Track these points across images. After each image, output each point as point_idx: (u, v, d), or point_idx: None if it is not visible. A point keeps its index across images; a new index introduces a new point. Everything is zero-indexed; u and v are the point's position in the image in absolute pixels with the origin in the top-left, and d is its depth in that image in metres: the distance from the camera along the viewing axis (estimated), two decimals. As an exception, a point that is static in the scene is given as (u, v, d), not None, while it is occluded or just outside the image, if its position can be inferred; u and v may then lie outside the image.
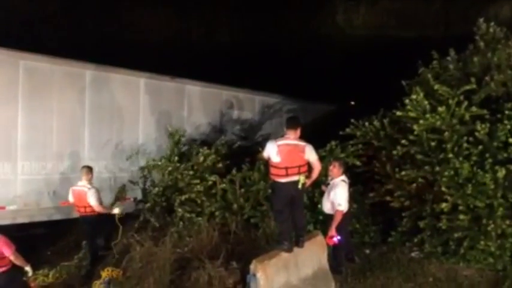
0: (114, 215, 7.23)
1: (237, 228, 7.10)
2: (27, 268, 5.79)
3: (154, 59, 11.02)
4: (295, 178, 5.37)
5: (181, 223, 7.31)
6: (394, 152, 7.00)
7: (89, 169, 7.22)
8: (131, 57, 9.54)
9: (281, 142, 5.39)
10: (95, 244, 7.26)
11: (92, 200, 7.00)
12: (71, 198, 7.28)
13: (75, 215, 7.94)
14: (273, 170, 5.43)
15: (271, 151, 5.36)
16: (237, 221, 7.14)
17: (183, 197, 7.47)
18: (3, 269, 5.51)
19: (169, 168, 7.77)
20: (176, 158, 7.85)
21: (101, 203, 7.14)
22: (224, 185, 7.49)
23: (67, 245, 8.11)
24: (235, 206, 7.32)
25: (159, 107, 9.21)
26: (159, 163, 7.90)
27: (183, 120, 9.61)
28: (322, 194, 6.64)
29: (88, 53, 8.43)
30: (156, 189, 7.67)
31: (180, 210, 7.33)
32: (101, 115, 8.33)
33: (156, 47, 12.47)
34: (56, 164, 7.75)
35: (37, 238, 7.76)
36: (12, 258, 5.54)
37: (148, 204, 7.67)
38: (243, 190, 7.37)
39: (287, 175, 5.34)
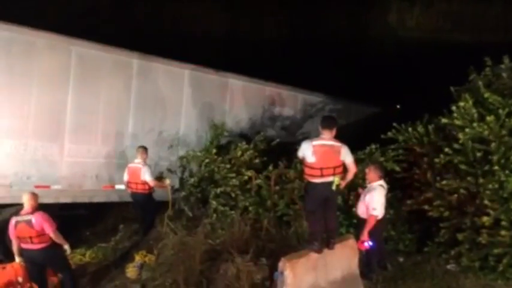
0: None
1: (269, 225, 7.10)
2: (66, 246, 6.05)
3: (199, 51, 11.18)
4: (329, 179, 5.30)
5: (214, 215, 7.41)
6: (437, 160, 6.75)
7: (144, 149, 7.73)
8: (177, 49, 9.72)
9: (316, 142, 5.33)
10: (147, 218, 7.70)
11: (147, 176, 7.53)
12: (125, 176, 7.71)
13: (115, 198, 8.28)
14: (307, 170, 5.38)
15: (306, 151, 5.31)
16: (270, 217, 7.14)
17: (218, 190, 7.57)
18: (43, 245, 5.78)
19: (207, 160, 7.88)
20: (214, 151, 7.95)
21: (154, 178, 7.65)
22: (259, 180, 7.51)
23: (105, 227, 8.45)
24: (269, 202, 7.32)
25: (202, 99, 9.34)
26: (199, 154, 8.02)
27: (224, 113, 9.71)
28: (357, 197, 6.52)
29: (136, 43, 8.64)
30: (193, 179, 7.80)
31: (214, 202, 7.43)
32: (145, 104, 8.54)
33: (202, 39, 12.63)
34: (100, 149, 8.03)
35: (77, 218, 8.10)
36: (52, 235, 5.80)
37: (183, 194, 7.82)
38: (277, 187, 7.36)
39: (322, 176, 5.28)
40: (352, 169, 5.44)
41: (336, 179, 5.28)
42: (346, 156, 5.33)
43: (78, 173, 7.74)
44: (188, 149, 8.55)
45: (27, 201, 5.82)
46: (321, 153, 5.24)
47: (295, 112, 11.07)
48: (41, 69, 7.24)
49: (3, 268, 5.95)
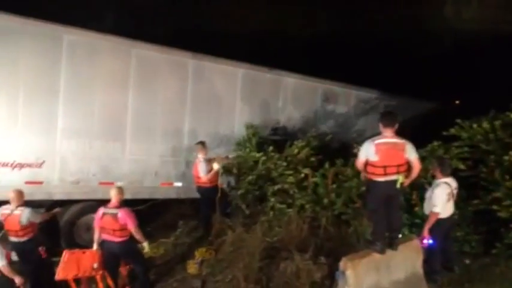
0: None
1: (328, 224, 7.03)
2: (145, 244, 6.33)
3: (252, 50, 11.22)
4: (393, 177, 5.17)
5: (271, 212, 7.43)
6: (505, 158, 6.41)
7: (203, 144, 7.96)
8: (230, 48, 9.78)
9: (379, 141, 5.20)
10: (206, 213, 7.90)
11: (201, 171, 7.81)
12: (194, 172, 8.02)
13: (173, 195, 8.49)
14: (370, 169, 5.27)
15: (369, 151, 5.19)
16: (328, 216, 7.06)
17: (275, 187, 7.57)
18: (123, 239, 6.08)
19: (264, 158, 7.91)
20: (271, 148, 7.96)
21: (207, 173, 7.84)
22: (316, 178, 7.45)
23: (164, 223, 8.66)
24: (325, 200, 7.25)
25: (255, 97, 9.39)
26: (256, 154, 8.04)
27: (277, 111, 9.71)
28: (421, 195, 6.32)
29: (191, 43, 8.79)
30: (250, 177, 7.84)
31: (272, 199, 7.44)
32: (201, 103, 8.70)
33: (254, 37, 12.67)
34: (159, 147, 8.26)
35: (139, 214, 8.34)
36: (133, 231, 6.09)
37: (241, 191, 7.89)
38: (335, 185, 7.27)
39: (385, 174, 5.16)
40: (417, 166, 5.27)
41: (400, 177, 5.14)
42: (411, 153, 5.18)
43: (139, 170, 8.01)
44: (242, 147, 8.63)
45: (114, 196, 6.14)
46: (384, 152, 5.12)
47: (349, 109, 10.89)
48: (103, 71, 7.55)
49: (84, 253, 6.37)
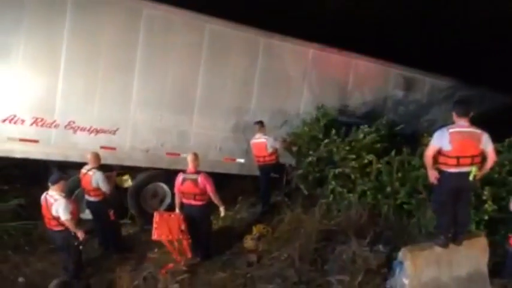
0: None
1: (388, 212, 6.87)
2: (221, 208, 6.64)
3: (323, 29, 10.97)
4: (466, 169, 4.92)
5: (331, 196, 7.37)
6: None
7: (262, 123, 8.09)
8: (302, 27, 9.63)
9: (454, 129, 4.96)
10: (268, 191, 8.09)
11: (277, 144, 7.99)
12: (252, 151, 8.18)
13: (235, 171, 8.66)
14: (441, 159, 5.04)
15: (443, 139, 4.96)
16: (390, 204, 6.89)
17: (336, 171, 7.49)
18: (200, 203, 6.41)
19: (326, 140, 7.82)
20: (334, 131, 7.85)
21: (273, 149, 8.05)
22: (380, 165, 7.26)
23: (224, 197, 8.84)
24: (388, 189, 7.06)
25: (324, 79, 9.22)
26: (320, 136, 7.97)
27: (345, 94, 9.51)
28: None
29: (262, 20, 8.76)
30: (311, 158, 7.80)
31: (333, 183, 7.37)
32: (268, 82, 8.69)
33: (326, 16, 12.37)
34: (225, 123, 8.42)
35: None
36: (211, 195, 6.44)
37: (300, 171, 7.88)
38: (399, 174, 7.05)
39: (458, 165, 4.92)
40: (492, 158, 5.00)
41: (473, 169, 4.89)
42: (487, 144, 4.92)
43: (204, 144, 8.22)
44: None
45: (191, 162, 6.47)
46: (458, 141, 4.88)
47: (422, 97, 10.40)
48: (177, 46, 7.76)
49: (170, 215, 6.76)
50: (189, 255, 6.62)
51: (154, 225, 6.54)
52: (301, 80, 9.04)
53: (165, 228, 6.48)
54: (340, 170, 7.46)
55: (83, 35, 7.06)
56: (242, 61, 8.44)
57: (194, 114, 8.11)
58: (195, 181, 6.33)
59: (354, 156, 7.45)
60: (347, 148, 7.60)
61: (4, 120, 6.75)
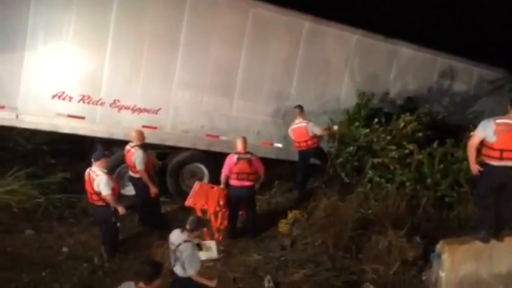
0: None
1: (428, 204, 6.73)
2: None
3: (368, 15, 10.70)
4: (510, 163, 4.75)
5: (369, 185, 7.29)
6: None
7: (301, 108, 8.07)
8: (345, 12, 9.42)
9: (500, 121, 4.79)
10: (305, 177, 8.20)
11: (316, 129, 7.92)
12: (291, 137, 8.17)
13: (272, 155, 8.68)
14: (485, 150, 4.89)
15: (488, 130, 4.80)
16: (429, 196, 6.75)
17: (375, 160, 7.38)
18: (251, 183, 6.69)
19: (367, 130, 7.71)
20: (376, 120, 7.71)
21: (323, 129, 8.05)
22: (421, 156, 7.10)
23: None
24: (429, 180, 6.92)
25: (367, 66, 9.04)
26: (362, 131, 7.84)
27: (388, 83, 9.30)
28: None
29: (306, 5, 8.63)
30: (351, 148, 7.72)
31: (371, 172, 7.28)
32: (310, 67, 8.59)
33: (372, 2, 12.04)
34: (264, 107, 8.43)
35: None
36: (261, 175, 6.76)
37: (340, 160, 7.82)
38: (442, 166, 6.88)
39: (501, 158, 4.77)
40: None
41: (517, 164, 4.72)
42: None
43: (243, 127, 8.27)
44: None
45: (241, 143, 6.68)
46: (504, 133, 4.72)
47: (469, 88, 10.02)
48: (221, 28, 7.80)
49: (212, 188, 7.04)
50: (220, 238, 6.71)
51: (192, 193, 6.79)
52: (343, 66, 8.90)
53: (203, 198, 6.71)
54: (378, 160, 7.36)
55: (129, 15, 7.21)
56: (284, 46, 8.38)
57: (235, 97, 8.16)
58: (249, 160, 6.52)
59: (394, 147, 7.32)
60: (388, 137, 7.47)
61: (54, 96, 7.04)
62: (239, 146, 6.63)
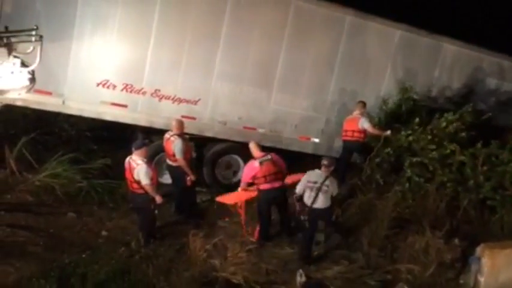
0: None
1: (469, 206, 6.54)
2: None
3: (412, 10, 10.41)
4: None
5: (407, 184, 7.13)
6: None
7: (363, 103, 7.98)
8: (389, 7, 9.21)
9: None
10: (345, 173, 7.97)
11: (366, 124, 7.76)
12: (344, 126, 8.04)
13: (309, 150, 8.63)
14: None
15: None
16: (471, 198, 6.54)
17: (414, 159, 7.21)
18: (281, 183, 6.47)
19: (409, 132, 7.51)
20: (417, 120, 7.52)
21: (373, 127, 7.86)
22: (463, 157, 6.89)
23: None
24: (471, 182, 6.71)
25: (410, 63, 8.82)
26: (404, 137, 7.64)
27: (431, 80, 9.05)
28: None
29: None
30: (389, 149, 7.52)
31: (409, 171, 7.12)
32: (350, 62, 8.49)
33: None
34: (302, 101, 8.40)
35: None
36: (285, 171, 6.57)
37: (378, 159, 7.67)
38: (485, 168, 6.65)
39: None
40: None
41: None
42: None
43: (281, 120, 8.30)
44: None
45: (256, 148, 6.58)
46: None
47: (517, 88, 9.61)
48: (262, 21, 7.81)
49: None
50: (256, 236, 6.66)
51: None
52: (384, 62, 8.73)
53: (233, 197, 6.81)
54: (418, 159, 7.18)
55: (173, 7, 7.33)
56: (325, 40, 8.31)
57: (273, 90, 8.17)
58: (272, 161, 6.40)
59: (434, 147, 7.12)
60: (428, 137, 7.27)
61: (98, 84, 7.25)
62: (255, 151, 6.53)
